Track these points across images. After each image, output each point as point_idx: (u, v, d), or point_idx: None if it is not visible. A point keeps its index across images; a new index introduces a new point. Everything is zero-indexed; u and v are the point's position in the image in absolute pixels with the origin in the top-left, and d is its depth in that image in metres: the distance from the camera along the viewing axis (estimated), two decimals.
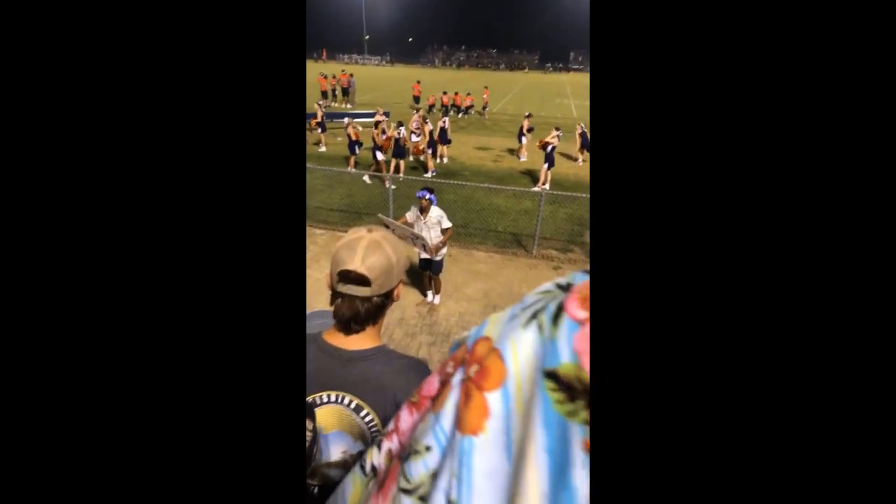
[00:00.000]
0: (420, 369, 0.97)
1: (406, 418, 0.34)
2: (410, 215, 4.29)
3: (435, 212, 4.20)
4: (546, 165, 8.83)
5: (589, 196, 6.79)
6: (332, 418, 0.92)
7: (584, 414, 0.23)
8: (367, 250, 0.92)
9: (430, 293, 4.73)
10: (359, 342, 0.96)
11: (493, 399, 0.26)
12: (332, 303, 0.97)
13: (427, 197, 4.11)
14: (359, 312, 0.94)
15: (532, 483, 0.22)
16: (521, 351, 0.26)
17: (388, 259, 0.93)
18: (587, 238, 6.61)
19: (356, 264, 0.91)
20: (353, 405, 0.92)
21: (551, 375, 0.24)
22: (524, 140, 11.03)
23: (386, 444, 0.35)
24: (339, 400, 0.92)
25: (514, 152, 11.55)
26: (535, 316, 0.27)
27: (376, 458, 0.36)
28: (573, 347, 0.24)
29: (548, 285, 0.30)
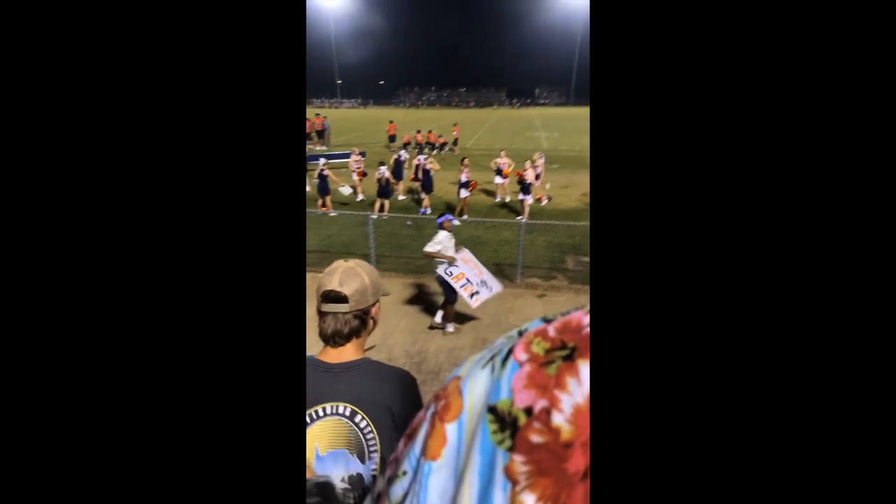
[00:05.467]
0: (402, 378, 1.12)
1: (401, 447, 0.38)
2: (450, 245, 4.48)
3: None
4: (527, 198, 8.94)
5: (564, 224, 6.98)
6: (331, 432, 1.03)
7: (508, 442, 0.26)
8: (344, 274, 1.14)
9: (440, 315, 4.80)
10: (344, 356, 1.12)
11: (451, 429, 0.30)
12: (319, 323, 1.14)
13: (450, 220, 4.53)
14: (340, 327, 1.10)
15: (465, 501, 0.26)
16: (475, 388, 0.30)
17: (362, 281, 1.14)
18: (569, 264, 6.68)
19: (334, 285, 1.11)
20: (347, 412, 1.05)
21: (492, 409, 0.28)
22: (498, 180, 10.52)
23: (387, 472, 0.40)
24: (335, 410, 1.05)
25: (492, 194, 11.15)
26: (492, 358, 0.31)
27: (381, 484, 0.41)
28: (511, 386, 0.28)
29: (512, 331, 0.34)
